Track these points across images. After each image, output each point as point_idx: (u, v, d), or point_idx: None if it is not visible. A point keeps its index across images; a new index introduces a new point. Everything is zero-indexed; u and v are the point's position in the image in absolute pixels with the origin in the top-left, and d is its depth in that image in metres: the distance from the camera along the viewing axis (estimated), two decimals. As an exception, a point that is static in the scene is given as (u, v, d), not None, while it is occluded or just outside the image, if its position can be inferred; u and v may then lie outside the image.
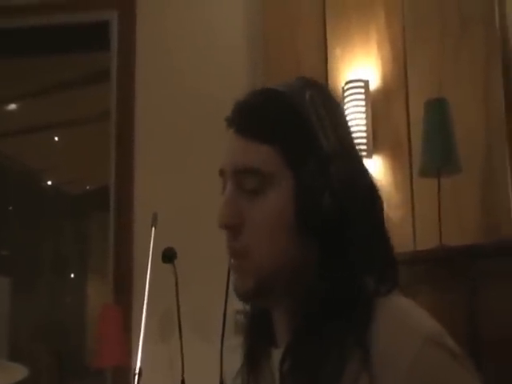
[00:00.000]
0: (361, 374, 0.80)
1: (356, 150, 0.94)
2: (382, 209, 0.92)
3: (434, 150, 2.45)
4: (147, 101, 3.41)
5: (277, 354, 0.90)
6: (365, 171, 0.92)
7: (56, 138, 5.42)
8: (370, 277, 0.87)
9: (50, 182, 5.86)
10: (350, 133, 0.95)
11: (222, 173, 0.92)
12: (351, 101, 2.83)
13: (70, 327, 5.07)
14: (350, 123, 3.09)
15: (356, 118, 2.81)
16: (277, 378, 0.89)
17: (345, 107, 2.82)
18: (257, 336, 0.97)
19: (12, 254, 5.32)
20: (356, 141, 2.99)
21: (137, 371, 2.17)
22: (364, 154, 2.79)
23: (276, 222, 0.86)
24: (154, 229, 2.80)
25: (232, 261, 0.90)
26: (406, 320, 0.83)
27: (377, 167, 2.80)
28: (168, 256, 2.85)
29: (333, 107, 0.92)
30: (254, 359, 0.96)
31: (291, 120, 0.87)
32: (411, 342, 0.79)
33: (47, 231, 5.37)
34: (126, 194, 3.37)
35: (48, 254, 5.42)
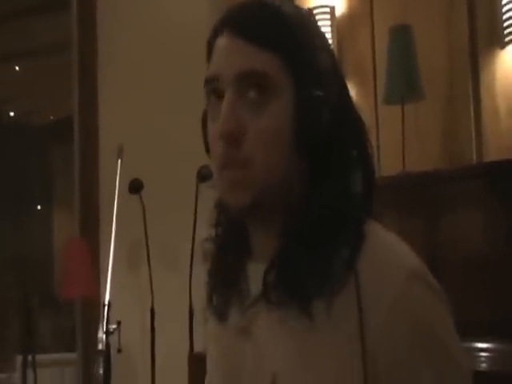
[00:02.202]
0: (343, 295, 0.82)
1: (341, 72, 0.94)
2: (366, 130, 0.91)
3: (397, 77, 2.46)
4: (110, 29, 3.34)
5: (255, 268, 0.91)
6: (349, 92, 0.93)
7: (17, 68, 5.29)
8: (356, 199, 0.88)
9: (12, 114, 5.75)
10: (334, 55, 0.95)
11: (215, 78, 0.87)
12: (316, 28, 2.80)
13: (38, 259, 5.08)
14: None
15: (321, 44, 2.79)
16: (254, 290, 0.90)
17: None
18: (231, 248, 0.96)
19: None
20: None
21: (106, 303, 2.19)
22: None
23: (277, 133, 0.85)
24: (120, 160, 2.79)
25: (229, 172, 0.86)
26: (391, 255, 0.84)
27: (342, 95, 2.80)
28: (135, 187, 2.86)
29: (321, 30, 0.94)
30: (225, 271, 0.96)
31: (296, 32, 0.86)
32: (395, 277, 0.81)
33: (11, 163, 5.31)
34: (91, 126, 3.34)
35: (13, 187, 5.38)
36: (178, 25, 3.11)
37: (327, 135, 0.85)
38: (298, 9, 0.91)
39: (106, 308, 2.16)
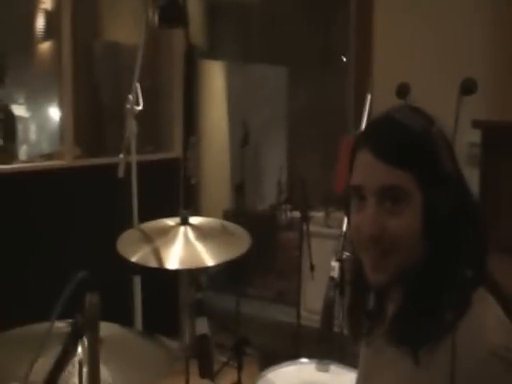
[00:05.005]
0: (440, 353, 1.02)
1: (464, 176, 1.13)
2: (483, 221, 1.12)
3: None
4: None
5: (390, 308, 1.19)
6: (470, 192, 1.13)
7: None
8: (469, 270, 1.09)
9: None
10: (458, 163, 1.13)
11: (358, 188, 1.11)
12: None
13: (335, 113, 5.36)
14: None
15: None
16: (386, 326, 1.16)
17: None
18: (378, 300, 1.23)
19: (288, 44, 5.85)
20: None
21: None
22: None
23: (410, 231, 1.08)
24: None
25: (373, 259, 1.11)
26: (482, 327, 1.02)
27: None
28: (402, 91, 3.01)
29: (449, 141, 1.13)
30: (369, 309, 1.25)
31: (424, 148, 1.08)
32: (477, 350, 0.99)
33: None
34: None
35: (318, 47, 5.89)
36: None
37: (450, 229, 1.08)
38: (426, 120, 1.11)
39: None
